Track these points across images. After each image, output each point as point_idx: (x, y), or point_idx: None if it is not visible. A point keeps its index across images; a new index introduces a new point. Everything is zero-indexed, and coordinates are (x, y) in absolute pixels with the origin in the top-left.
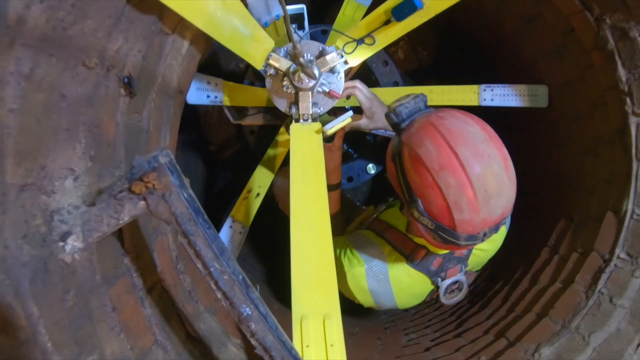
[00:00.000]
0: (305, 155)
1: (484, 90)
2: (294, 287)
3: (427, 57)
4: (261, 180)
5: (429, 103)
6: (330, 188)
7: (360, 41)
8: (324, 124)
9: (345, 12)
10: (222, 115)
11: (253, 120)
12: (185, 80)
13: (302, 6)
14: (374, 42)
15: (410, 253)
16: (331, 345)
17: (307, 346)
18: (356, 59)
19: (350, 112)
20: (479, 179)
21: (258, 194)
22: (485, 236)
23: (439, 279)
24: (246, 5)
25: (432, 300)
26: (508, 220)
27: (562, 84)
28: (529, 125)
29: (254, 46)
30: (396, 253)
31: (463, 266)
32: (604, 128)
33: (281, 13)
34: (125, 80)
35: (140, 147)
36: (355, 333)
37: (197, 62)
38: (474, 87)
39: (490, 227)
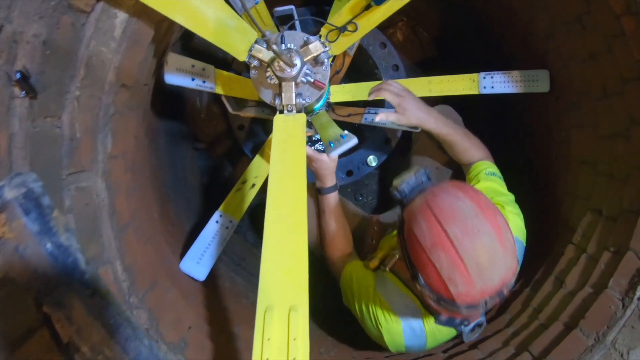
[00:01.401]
0: (287, 146)
1: (484, 78)
2: (262, 277)
3: (428, 38)
4: (257, 170)
5: (428, 94)
6: (330, 190)
7: (342, 28)
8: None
9: None
10: (210, 111)
11: (252, 113)
12: (131, 69)
13: (291, 7)
14: (357, 28)
15: (437, 313)
16: (294, 340)
17: (269, 339)
18: (341, 46)
19: (355, 140)
20: (469, 253)
21: (253, 185)
22: (487, 304)
23: (463, 326)
24: None
25: None
26: (521, 256)
27: (585, 58)
28: (544, 106)
29: (238, 38)
30: (425, 310)
31: (484, 310)
32: (638, 106)
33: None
34: (18, 75)
35: (62, 160)
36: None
37: (144, 47)
38: (474, 76)
39: (491, 296)
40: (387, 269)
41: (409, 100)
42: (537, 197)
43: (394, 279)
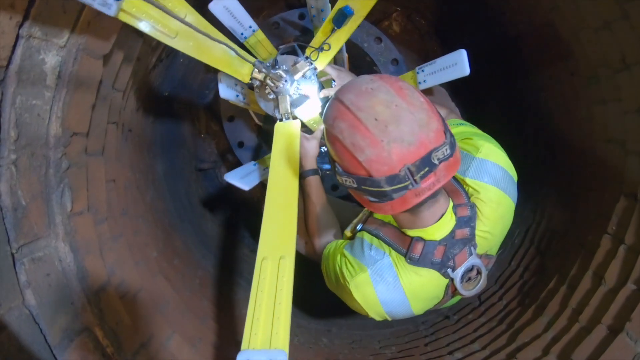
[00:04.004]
0: (285, 145)
1: (418, 73)
2: (261, 237)
3: (426, 25)
4: None
5: None
6: (310, 172)
7: (320, 49)
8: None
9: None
10: (210, 129)
11: (263, 124)
12: (82, 115)
13: (294, 44)
14: (330, 47)
15: (407, 249)
16: (282, 277)
17: (264, 279)
18: (322, 62)
19: (308, 97)
20: (366, 111)
21: None
22: (414, 175)
23: (449, 270)
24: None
25: (473, 301)
26: (512, 191)
27: (598, 27)
28: (559, 84)
29: (240, 65)
30: (395, 252)
31: (472, 248)
32: None
33: (256, 27)
34: None
35: (7, 234)
36: (393, 357)
37: (94, 86)
38: (411, 73)
39: (415, 163)
40: (360, 229)
41: (347, 75)
42: (563, 184)
43: (365, 235)
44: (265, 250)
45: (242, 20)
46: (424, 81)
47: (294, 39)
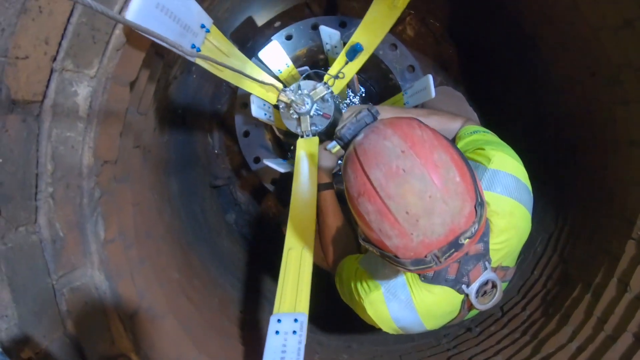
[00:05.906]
0: (306, 157)
1: (404, 94)
2: (288, 232)
3: (441, 27)
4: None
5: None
6: (324, 187)
7: (336, 76)
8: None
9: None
10: (223, 144)
11: (285, 138)
12: (111, 143)
13: (306, 68)
14: (344, 76)
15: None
16: (304, 262)
17: (290, 264)
18: (338, 88)
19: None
20: (396, 201)
21: None
22: (440, 259)
23: (464, 286)
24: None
25: (495, 312)
26: (527, 200)
27: (619, 26)
28: (579, 84)
29: (269, 90)
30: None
31: (486, 262)
32: None
33: (290, 63)
34: None
35: (47, 266)
36: None
37: (122, 113)
38: (399, 95)
39: (441, 248)
40: None
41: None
42: (586, 189)
43: None
44: (291, 243)
45: (281, 60)
46: (408, 102)
47: (307, 50)
